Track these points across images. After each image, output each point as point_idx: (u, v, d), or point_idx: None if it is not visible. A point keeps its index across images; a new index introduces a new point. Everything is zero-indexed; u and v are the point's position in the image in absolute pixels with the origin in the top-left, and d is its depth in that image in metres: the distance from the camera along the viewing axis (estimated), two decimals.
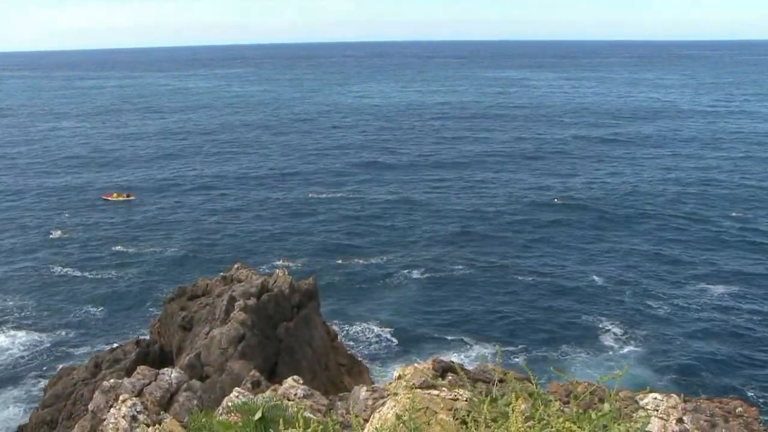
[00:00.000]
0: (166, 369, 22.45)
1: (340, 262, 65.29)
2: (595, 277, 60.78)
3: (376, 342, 50.00)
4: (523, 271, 62.66)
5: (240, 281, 37.53)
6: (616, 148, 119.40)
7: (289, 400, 14.61)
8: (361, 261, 65.45)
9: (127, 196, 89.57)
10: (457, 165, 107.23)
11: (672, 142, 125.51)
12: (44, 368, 46.60)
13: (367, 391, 15.06)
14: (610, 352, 47.84)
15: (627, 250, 67.68)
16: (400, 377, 8.26)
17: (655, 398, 12.39)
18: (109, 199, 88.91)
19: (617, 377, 5.89)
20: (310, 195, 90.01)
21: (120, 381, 22.23)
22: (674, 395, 12.66)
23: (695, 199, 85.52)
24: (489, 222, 77.48)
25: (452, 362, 17.75)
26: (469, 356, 46.79)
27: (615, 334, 50.56)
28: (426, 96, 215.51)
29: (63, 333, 52.17)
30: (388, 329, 51.71)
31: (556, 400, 5.72)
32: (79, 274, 63.59)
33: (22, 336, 51.53)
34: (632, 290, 57.94)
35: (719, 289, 58.16)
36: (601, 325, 51.89)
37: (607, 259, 65.51)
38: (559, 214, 79.55)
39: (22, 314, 55.31)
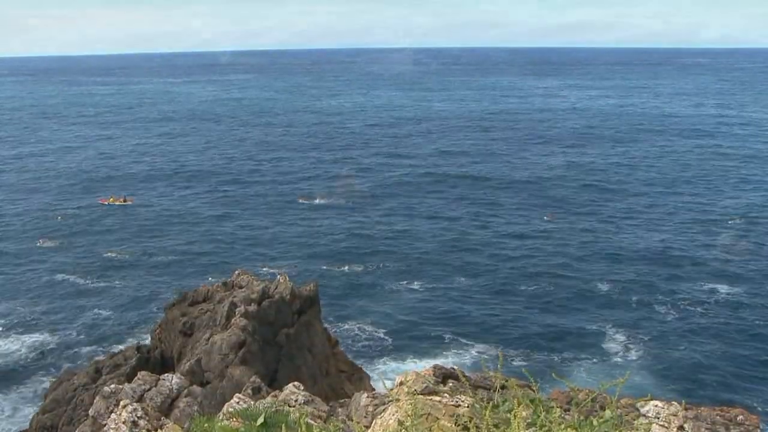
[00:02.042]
0: (166, 375, 22.46)
1: (339, 268, 65.31)
2: (598, 282, 60.75)
3: (377, 347, 49.94)
4: (524, 277, 62.62)
5: (241, 287, 37.54)
6: (613, 152, 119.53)
7: (289, 406, 14.60)
8: (360, 267, 65.46)
9: (124, 201, 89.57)
10: (457, 172, 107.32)
11: (669, 144, 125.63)
12: (46, 372, 46.59)
13: (367, 397, 15.05)
14: (612, 359, 47.76)
15: (630, 255, 67.64)
16: (401, 383, 8.27)
17: (656, 405, 12.38)
18: (105, 203, 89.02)
19: (619, 384, 5.91)
20: (315, 201, 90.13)
21: (120, 386, 22.25)
22: (675, 403, 12.66)
23: (700, 203, 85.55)
24: (489, 229, 77.51)
25: (453, 368, 17.74)
26: (470, 361, 46.73)
27: (617, 340, 50.48)
28: (427, 104, 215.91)
29: (64, 338, 52.14)
30: (389, 334, 51.67)
31: (557, 407, 5.74)
32: (80, 279, 63.61)
33: (24, 340, 51.53)
34: (635, 296, 57.89)
35: (725, 294, 58.11)
36: (603, 331, 51.82)
37: (610, 263, 65.46)
38: (560, 221, 79.57)
39: (24, 319, 55.33)
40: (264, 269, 62.46)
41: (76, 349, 50.41)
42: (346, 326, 53.11)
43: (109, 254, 69.98)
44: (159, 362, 35.72)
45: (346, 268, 65.26)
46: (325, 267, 65.43)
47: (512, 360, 46.91)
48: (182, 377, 22.72)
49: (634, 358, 47.87)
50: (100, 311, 56.80)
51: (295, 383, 16.59)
